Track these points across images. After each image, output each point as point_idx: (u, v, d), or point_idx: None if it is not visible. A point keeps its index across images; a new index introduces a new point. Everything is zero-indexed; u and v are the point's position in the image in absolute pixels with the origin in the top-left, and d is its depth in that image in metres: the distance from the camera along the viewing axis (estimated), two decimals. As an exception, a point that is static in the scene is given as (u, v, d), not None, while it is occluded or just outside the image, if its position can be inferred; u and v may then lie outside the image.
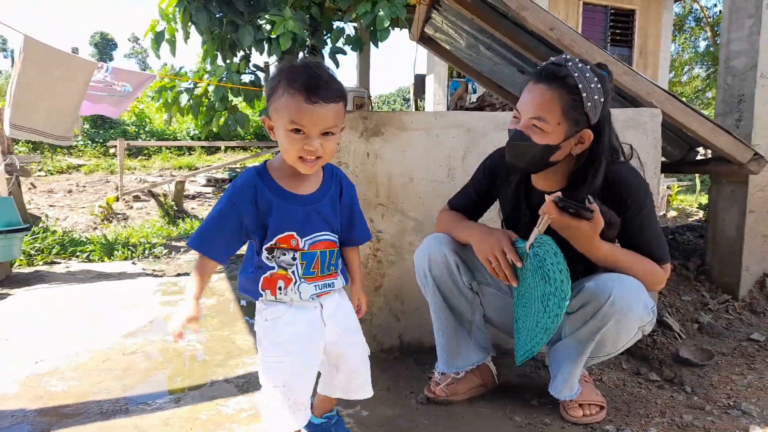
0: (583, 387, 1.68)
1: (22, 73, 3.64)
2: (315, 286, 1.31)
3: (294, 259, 1.28)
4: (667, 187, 6.05)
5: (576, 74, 1.41)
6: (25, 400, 1.85)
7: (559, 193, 1.40)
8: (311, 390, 1.35)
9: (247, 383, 1.99)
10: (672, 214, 5.46)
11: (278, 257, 1.27)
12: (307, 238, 1.29)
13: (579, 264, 1.51)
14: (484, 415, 1.71)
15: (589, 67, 1.44)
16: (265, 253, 1.27)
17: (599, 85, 1.43)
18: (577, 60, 1.45)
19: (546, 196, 1.39)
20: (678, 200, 6.15)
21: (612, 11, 9.07)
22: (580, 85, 1.41)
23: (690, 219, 5.07)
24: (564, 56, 1.47)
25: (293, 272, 1.28)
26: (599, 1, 9.01)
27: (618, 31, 9.13)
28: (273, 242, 1.26)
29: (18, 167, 4.69)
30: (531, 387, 1.90)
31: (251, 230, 1.26)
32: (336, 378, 1.44)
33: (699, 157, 2.76)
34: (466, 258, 1.69)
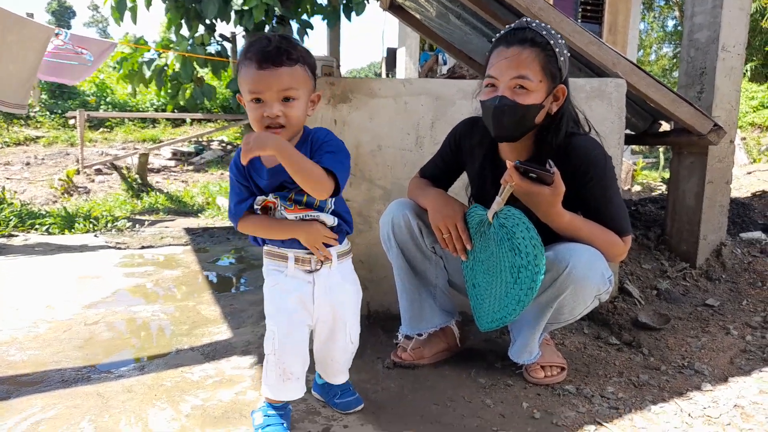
0: (544, 350, 1.72)
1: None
2: (295, 216, 1.34)
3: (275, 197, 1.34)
4: (633, 163, 6.19)
5: (543, 32, 1.44)
6: (-19, 369, 1.80)
7: (519, 160, 1.41)
8: (301, 364, 1.38)
9: (213, 351, 1.97)
10: (636, 188, 5.59)
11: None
12: (284, 201, 1.34)
13: (540, 233, 1.53)
14: (449, 378, 1.74)
15: (549, 25, 1.46)
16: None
17: (562, 41, 1.45)
18: (537, 21, 1.47)
19: (507, 162, 1.40)
20: (642, 175, 6.29)
21: (583, -12, 9.09)
22: (551, 41, 1.43)
23: (653, 193, 5.20)
24: (524, 20, 1.49)
25: (275, 197, 1.34)
26: (570, -24, 9.01)
27: (589, 7, 9.16)
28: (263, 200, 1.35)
29: (-30, 136, 4.48)
30: (495, 351, 1.94)
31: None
32: (315, 357, 1.49)
33: (661, 130, 2.81)
34: (428, 222, 1.70)
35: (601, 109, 2.22)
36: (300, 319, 1.37)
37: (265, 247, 1.40)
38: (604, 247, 1.49)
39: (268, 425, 1.37)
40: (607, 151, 1.55)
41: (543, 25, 1.47)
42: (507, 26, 1.52)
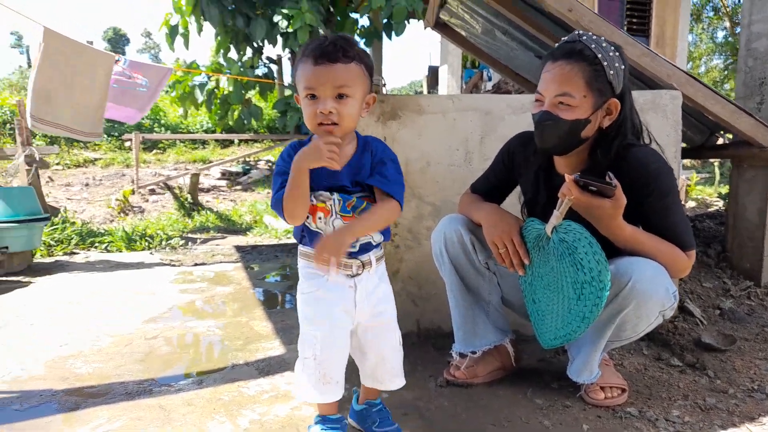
0: (603, 370, 1.67)
1: (42, 64, 3.67)
2: None
3: (332, 194, 1.31)
4: (686, 178, 5.98)
5: (592, 45, 1.42)
6: (52, 380, 1.89)
7: (578, 173, 1.39)
8: (341, 368, 1.36)
9: (268, 366, 2.00)
10: (691, 204, 5.39)
11: (318, 194, 1.31)
12: (344, 209, 1.32)
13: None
14: (503, 397, 1.71)
15: (604, 38, 1.44)
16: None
17: (617, 53, 1.43)
18: (590, 33, 1.46)
19: (566, 176, 1.38)
20: (697, 191, 6.06)
21: (628, 0, 8.94)
22: (599, 55, 1.41)
23: (710, 209, 5.00)
24: (576, 32, 1.47)
25: (331, 205, 1.31)
26: (615, -11, 8.88)
27: (635, 20, 8.99)
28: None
29: (37, 158, 4.76)
30: (551, 371, 1.90)
31: None
32: (365, 365, 1.46)
33: (719, 143, 2.71)
34: (481, 237, 1.68)
35: (656, 122, 2.17)
36: (343, 325, 1.36)
37: (303, 248, 1.38)
38: (668, 261, 1.44)
39: None
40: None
41: (594, 37, 1.45)
42: (561, 39, 1.52)
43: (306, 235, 1.35)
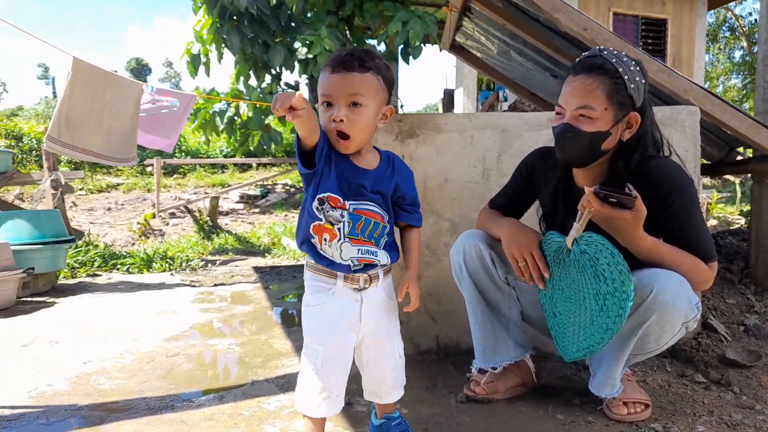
0: (626, 386, 1.65)
1: (70, 91, 3.80)
2: (358, 249, 1.32)
3: (342, 216, 1.29)
4: (707, 197, 5.91)
5: (613, 60, 1.44)
6: (76, 396, 1.92)
7: (598, 186, 1.40)
8: (343, 383, 1.36)
9: (287, 383, 2.01)
10: (713, 222, 5.32)
11: (327, 211, 1.29)
12: (353, 202, 1.31)
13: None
14: (525, 413, 1.70)
15: (624, 53, 1.46)
16: (316, 203, 1.29)
17: (638, 68, 1.45)
18: (610, 48, 1.48)
19: (585, 188, 1.39)
20: (718, 209, 5.99)
21: (643, 21, 8.99)
22: (620, 69, 1.43)
23: (732, 227, 4.93)
24: (597, 47, 1.50)
25: (339, 229, 1.30)
26: (630, 10, 8.95)
27: (650, 41, 9.03)
28: (324, 195, 1.29)
29: (63, 183, 4.89)
30: (572, 388, 1.87)
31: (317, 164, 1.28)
32: (366, 381, 1.46)
33: (739, 158, 2.70)
34: (501, 252, 1.69)
35: (674, 137, 2.17)
36: (347, 340, 1.35)
37: (310, 261, 1.37)
38: (690, 272, 1.44)
39: None
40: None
41: (615, 52, 1.48)
42: (582, 54, 1.54)
43: (311, 252, 1.35)
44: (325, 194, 1.29)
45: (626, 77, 1.44)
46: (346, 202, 1.30)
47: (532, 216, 1.84)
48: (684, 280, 1.43)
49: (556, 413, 1.68)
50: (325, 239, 1.32)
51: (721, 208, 5.99)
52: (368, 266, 1.35)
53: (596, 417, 1.64)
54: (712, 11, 17.59)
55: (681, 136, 2.18)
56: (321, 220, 1.30)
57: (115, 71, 6.01)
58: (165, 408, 1.81)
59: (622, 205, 1.36)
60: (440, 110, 10.30)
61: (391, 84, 1.35)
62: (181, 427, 1.65)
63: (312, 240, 1.32)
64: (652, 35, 9.03)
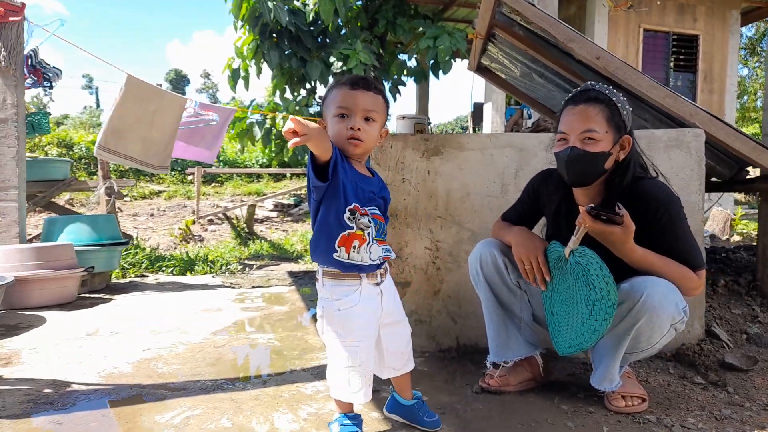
0: (625, 381, 1.84)
1: (121, 104, 4.15)
2: (382, 248, 1.55)
3: (370, 222, 1.51)
4: (731, 213, 5.96)
5: (606, 92, 1.67)
6: (139, 377, 2.20)
7: (592, 205, 1.61)
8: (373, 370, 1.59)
9: (321, 373, 2.25)
10: (736, 238, 5.38)
11: (358, 219, 1.48)
12: (369, 208, 1.52)
13: (617, 268, 1.69)
14: (533, 403, 1.90)
15: (611, 87, 1.70)
16: (347, 214, 1.46)
17: (624, 98, 1.68)
18: (600, 83, 1.71)
19: (580, 207, 1.61)
20: (742, 225, 6.02)
21: (674, 37, 9.02)
22: (613, 98, 1.66)
23: (753, 243, 4.99)
24: (588, 83, 1.73)
25: (368, 234, 1.50)
26: (660, 27, 9.00)
27: (681, 57, 9.05)
28: (353, 205, 1.47)
29: (116, 190, 5.29)
30: (579, 384, 2.06)
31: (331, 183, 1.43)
32: (385, 360, 1.64)
33: (748, 177, 2.84)
34: (514, 259, 1.91)
35: (679, 158, 2.35)
36: (376, 333, 1.57)
37: (333, 270, 1.51)
38: (678, 279, 1.63)
39: None
40: (679, 194, 1.71)
41: (605, 86, 1.71)
42: (575, 89, 1.77)
43: (335, 265, 1.50)
44: (353, 204, 1.47)
45: (619, 105, 1.66)
46: (365, 208, 1.50)
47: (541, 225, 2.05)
48: (672, 287, 1.62)
49: (561, 404, 1.88)
50: (355, 246, 1.48)
51: (745, 224, 6.01)
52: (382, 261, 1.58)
53: (597, 408, 1.84)
54: (752, 25, 17.34)
55: (686, 157, 2.36)
56: (352, 228, 1.47)
57: (159, 85, 6.43)
58: (216, 389, 2.07)
59: (612, 222, 1.57)
60: (470, 123, 10.49)
61: (388, 110, 1.58)
62: (231, 405, 1.91)
63: (336, 254, 1.47)
64: (684, 51, 9.04)
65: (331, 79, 8.90)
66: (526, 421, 1.76)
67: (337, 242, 1.48)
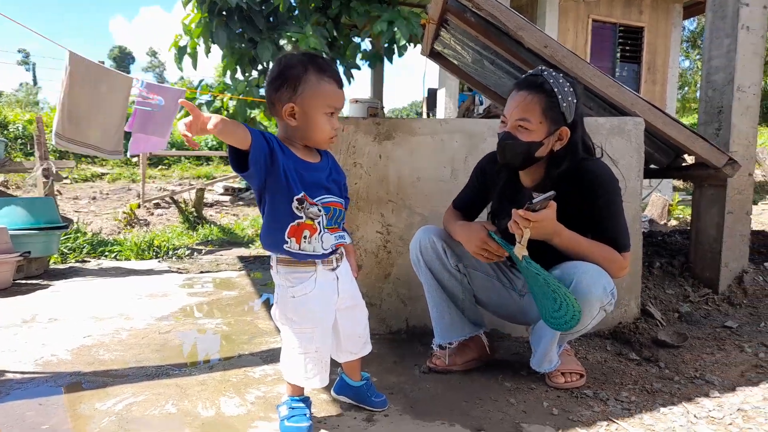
0: (565, 359, 1.91)
1: (70, 87, 3.95)
2: (334, 236, 1.53)
3: (320, 210, 1.48)
4: (668, 198, 6.26)
5: (551, 81, 1.69)
6: (79, 365, 2.13)
7: (526, 204, 1.60)
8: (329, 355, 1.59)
9: (271, 356, 2.24)
10: (673, 223, 5.66)
11: (307, 208, 1.45)
12: (319, 197, 1.48)
13: (548, 254, 1.72)
14: (478, 381, 1.96)
15: (561, 74, 1.72)
16: (295, 203, 1.43)
17: (571, 89, 1.71)
18: (551, 70, 1.73)
19: (514, 211, 1.61)
20: (679, 210, 6.34)
21: (621, 28, 9.31)
22: (555, 89, 1.68)
23: (688, 228, 5.27)
24: (539, 68, 1.75)
25: (319, 222, 1.48)
26: (608, 18, 9.26)
27: (627, 48, 9.36)
28: (300, 194, 1.43)
29: (54, 172, 5.04)
30: (522, 362, 2.13)
31: (271, 173, 1.40)
32: (342, 343, 1.65)
33: (684, 164, 2.99)
34: (452, 244, 1.96)
35: (620, 145, 2.45)
36: (332, 318, 1.56)
37: (286, 257, 1.48)
38: (603, 261, 1.68)
39: (293, 416, 1.54)
40: (620, 180, 1.77)
41: (554, 74, 1.73)
42: (527, 72, 1.80)
43: (287, 253, 1.47)
44: (301, 194, 1.44)
45: (560, 97, 1.69)
46: (314, 198, 1.46)
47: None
48: (601, 271, 1.67)
49: (504, 381, 1.94)
50: (305, 237, 1.46)
51: (682, 209, 6.34)
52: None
53: (538, 385, 1.91)
54: (694, 18, 18.07)
55: (627, 144, 2.45)
56: (302, 218, 1.45)
57: (102, 62, 6.15)
58: (161, 375, 2.03)
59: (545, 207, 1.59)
60: (424, 108, 10.54)
61: None
62: (177, 390, 1.87)
63: (286, 245, 1.45)
64: (630, 42, 9.36)
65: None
66: (470, 398, 1.81)
67: (286, 233, 1.45)
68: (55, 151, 10.54)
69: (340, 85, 1.48)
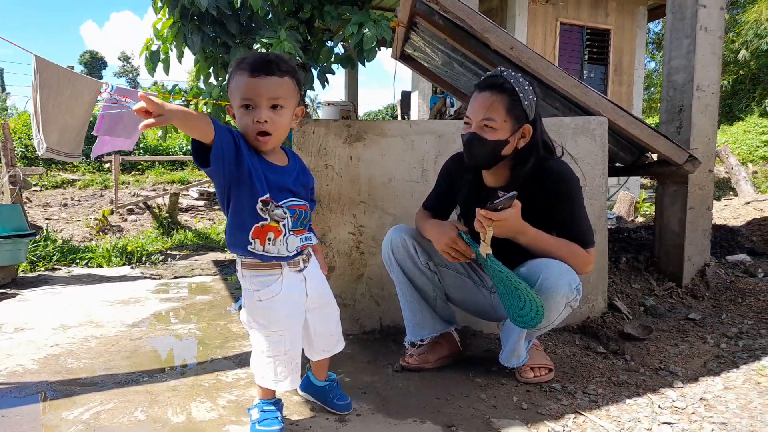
0: (533, 354, 1.95)
1: (42, 94, 3.85)
2: (300, 238, 1.51)
3: (285, 213, 1.45)
4: (635, 196, 6.42)
5: (512, 80, 1.73)
6: (46, 374, 2.09)
7: (488, 204, 1.62)
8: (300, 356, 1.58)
9: (244, 360, 2.23)
10: (640, 219, 5.79)
11: (272, 210, 1.41)
12: (284, 200, 1.45)
13: (515, 252, 1.76)
14: (450, 378, 1.98)
15: (520, 74, 1.76)
16: (260, 205, 1.40)
17: (530, 88, 1.75)
18: (509, 70, 1.77)
19: (477, 210, 1.64)
20: (645, 207, 6.49)
21: (588, 30, 9.50)
22: (516, 88, 1.72)
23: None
24: (499, 68, 1.79)
25: (284, 225, 1.45)
26: (576, 21, 9.44)
27: (595, 50, 9.55)
28: (265, 196, 1.40)
29: (21, 179, 4.93)
30: (493, 359, 2.15)
31: (237, 173, 1.37)
32: (315, 342, 1.65)
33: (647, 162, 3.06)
34: (422, 243, 1.98)
35: (585, 143, 2.50)
36: (301, 320, 1.55)
37: (247, 259, 1.46)
38: (569, 257, 1.72)
39: (264, 419, 1.53)
40: (585, 178, 1.83)
41: (513, 73, 1.77)
42: (486, 73, 1.83)
43: (252, 255, 1.45)
44: (265, 195, 1.40)
45: (521, 95, 1.73)
46: (279, 201, 1.44)
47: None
48: (566, 267, 1.70)
49: (476, 377, 1.97)
50: (269, 239, 1.43)
51: (648, 206, 6.49)
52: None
53: (508, 380, 1.94)
54: (659, 21, 18.51)
55: (591, 143, 2.51)
56: (266, 220, 1.41)
57: (72, 67, 6.03)
58: (131, 382, 2.01)
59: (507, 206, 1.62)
60: (398, 111, 10.59)
61: (301, 85, 1.46)
62: (147, 397, 1.86)
63: (250, 246, 1.42)
64: (597, 45, 9.54)
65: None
66: (442, 395, 1.83)
67: (250, 234, 1.42)
68: (24, 157, 10.31)
69: (255, 73, 1.33)
